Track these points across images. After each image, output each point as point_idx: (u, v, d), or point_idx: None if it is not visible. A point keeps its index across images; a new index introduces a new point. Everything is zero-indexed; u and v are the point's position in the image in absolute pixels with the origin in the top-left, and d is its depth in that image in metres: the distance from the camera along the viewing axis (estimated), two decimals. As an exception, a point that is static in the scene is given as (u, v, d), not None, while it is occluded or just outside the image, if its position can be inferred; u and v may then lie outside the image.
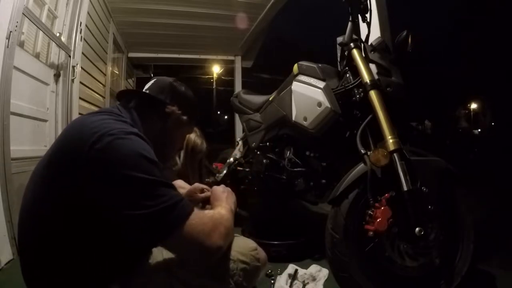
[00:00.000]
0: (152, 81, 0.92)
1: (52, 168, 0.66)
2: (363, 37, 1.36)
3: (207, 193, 1.03)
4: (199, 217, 0.65)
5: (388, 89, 1.19)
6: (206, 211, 0.74)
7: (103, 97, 3.48)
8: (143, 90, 0.89)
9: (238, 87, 5.12)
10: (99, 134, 0.61)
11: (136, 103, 0.84)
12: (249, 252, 0.84)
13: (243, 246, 0.85)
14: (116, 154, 0.60)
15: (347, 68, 1.32)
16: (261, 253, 0.87)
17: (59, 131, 2.36)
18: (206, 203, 1.00)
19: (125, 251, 0.70)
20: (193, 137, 1.94)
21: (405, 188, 1.01)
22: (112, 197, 0.59)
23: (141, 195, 0.59)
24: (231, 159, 2.04)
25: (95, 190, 0.60)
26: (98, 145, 0.60)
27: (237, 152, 2.12)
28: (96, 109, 3.15)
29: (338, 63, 1.42)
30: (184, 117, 0.90)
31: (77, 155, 0.61)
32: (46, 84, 2.25)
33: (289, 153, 1.58)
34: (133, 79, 5.82)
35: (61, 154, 0.65)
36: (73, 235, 0.64)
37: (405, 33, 1.24)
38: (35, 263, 0.68)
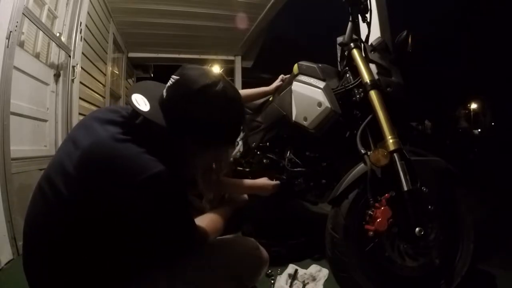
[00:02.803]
0: (174, 80, 0.69)
1: (80, 189, 0.64)
2: (363, 37, 1.36)
3: None
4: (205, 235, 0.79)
5: (388, 89, 1.19)
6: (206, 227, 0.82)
7: (103, 97, 3.48)
8: (165, 89, 0.70)
9: (238, 87, 5.12)
10: (147, 176, 0.62)
11: (144, 124, 0.69)
12: (251, 251, 0.85)
13: (246, 246, 0.86)
14: (161, 200, 0.65)
15: (347, 68, 1.32)
16: (263, 253, 0.87)
17: (59, 131, 2.36)
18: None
19: (129, 255, 0.70)
20: None
21: (405, 188, 1.01)
22: (150, 226, 0.66)
23: (171, 235, 0.69)
24: (231, 159, 2.03)
25: (134, 216, 0.64)
26: (146, 186, 0.62)
27: (237, 152, 2.12)
28: (96, 109, 3.15)
29: (338, 63, 1.42)
30: (205, 149, 0.73)
31: (118, 189, 0.63)
32: (46, 84, 2.25)
33: (289, 153, 1.58)
34: (133, 79, 5.82)
35: (95, 179, 0.64)
36: (86, 239, 0.65)
37: (405, 33, 1.25)
38: (42, 262, 0.68)
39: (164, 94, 0.70)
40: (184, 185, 0.71)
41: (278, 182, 1.24)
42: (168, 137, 0.69)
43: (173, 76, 0.70)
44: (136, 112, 0.69)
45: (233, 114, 0.71)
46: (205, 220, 0.85)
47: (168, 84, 0.70)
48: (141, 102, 0.68)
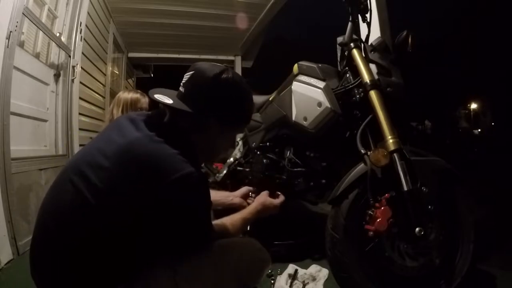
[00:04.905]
0: (190, 75, 0.79)
1: (106, 189, 0.68)
2: (363, 37, 1.36)
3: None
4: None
5: (388, 89, 1.19)
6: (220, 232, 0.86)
7: (103, 97, 3.48)
8: (181, 86, 0.80)
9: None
10: (179, 175, 0.68)
11: (171, 117, 0.79)
12: (254, 252, 0.86)
13: (248, 246, 0.87)
14: (188, 203, 0.71)
15: (347, 68, 1.32)
16: (265, 253, 0.88)
17: (59, 131, 2.36)
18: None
19: (134, 253, 0.71)
20: (130, 96, 1.78)
21: (405, 188, 1.01)
22: (171, 227, 0.71)
23: (190, 232, 0.74)
24: (231, 159, 2.03)
25: (155, 216, 0.68)
26: (175, 187, 0.68)
27: (237, 152, 2.12)
28: (96, 109, 3.15)
29: (338, 63, 1.42)
30: (226, 127, 0.82)
31: (151, 185, 0.67)
32: (46, 84, 2.25)
33: (289, 153, 1.58)
34: (133, 79, 5.82)
35: (122, 181, 0.68)
36: (98, 238, 0.67)
37: (405, 33, 1.25)
38: (50, 258, 0.69)
39: (182, 89, 0.79)
40: (207, 186, 0.78)
41: (281, 198, 1.16)
42: (194, 126, 0.78)
43: (186, 74, 0.80)
44: (160, 112, 0.80)
45: (245, 92, 0.83)
46: (224, 223, 0.91)
47: (183, 81, 0.80)
48: (164, 98, 0.78)
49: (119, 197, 0.67)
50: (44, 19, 2.17)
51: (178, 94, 0.80)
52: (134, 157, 0.69)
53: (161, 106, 0.82)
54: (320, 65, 1.41)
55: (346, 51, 1.31)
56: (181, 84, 0.80)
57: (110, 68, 3.79)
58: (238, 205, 1.21)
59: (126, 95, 1.79)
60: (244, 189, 1.30)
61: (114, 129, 0.77)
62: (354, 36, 1.31)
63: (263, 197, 1.14)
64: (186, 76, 0.79)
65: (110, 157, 0.70)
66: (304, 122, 1.37)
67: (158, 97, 0.78)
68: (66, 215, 0.69)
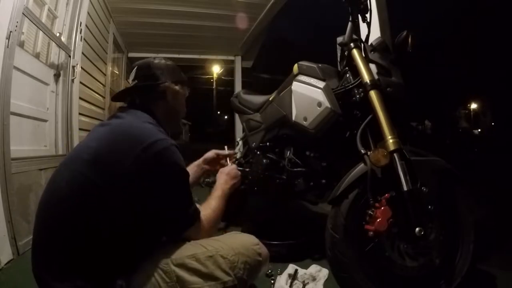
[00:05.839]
0: (134, 70, 1.00)
1: (98, 164, 0.75)
2: (363, 37, 1.36)
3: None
4: (204, 219, 0.88)
5: (388, 89, 1.19)
6: (204, 213, 0.90)
7: (103, 97, 3.48)
8: (133, 83, 0.99)
9: (238, 87, 5.12)
10: (150, 141, 0.78)
11: (139, 99, 0.97)
12: (251, 246, 0.87)
13: (245, 241, 0.88)
14: (166, 162, 0.80)
15: (347, 68, 1.32)
16: (263, 249, 0.89)
17: (59, 131, 2.36)
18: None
19: (134, 246, 0.73)
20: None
21: (405, 188, 1.01)
22: (157, 193, 0.77)
23: (176, 198, 0.81)
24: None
25: (142, 185, 0.75)
26: (149, 151, 0.77)
27: (237, 152, 2.12)
28: (96, 109, 3.15)
29: (338, 63, 1.42)
30: (177, 86, 1.02)
31: (128, 154, 0.75)
32: (46, 84, 2.25)
33: (289, 153, 1.58)
34: (133, 79, 5.82)
35: (110, 151, 0.77)
36: (97, 230, 0.70)
37: (405, 33, 1.24)
38: (52, 253, 0.71)
39: (136, 80, 0.99)
40: (182, 158, 0.86)
41: (233, 165, 1.26)
42: (156, 94, 0.97)
43: (132, 72, 1.00)
44: (133, 101, 0.97)
45: (173, 65, 1.06)
46: (203, 204, 0.98)
47: (132, 76, 1.00)
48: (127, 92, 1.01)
49: (104, 175, 0.73)
50: (44, 19, 2.16)
51: (135, 84, 0.98)
52: (116, 133, 0.82)
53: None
54: (320, 65, 1.41)
55: (346, 51, 1.31)
56: (132, 79, 0.99)
57: (110, 68, 3.79)
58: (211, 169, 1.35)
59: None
60: (209, 154, 1.36)
61: (101, 125, 0.90)
62: (354, 36, 1.30)
63: (220, 171, 1.18)
64: (133, 72, 0.99)
65: (97, 139, 0.81)
66: (304, 122, 1.37)
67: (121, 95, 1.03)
68: (63, 204, 0.72)
